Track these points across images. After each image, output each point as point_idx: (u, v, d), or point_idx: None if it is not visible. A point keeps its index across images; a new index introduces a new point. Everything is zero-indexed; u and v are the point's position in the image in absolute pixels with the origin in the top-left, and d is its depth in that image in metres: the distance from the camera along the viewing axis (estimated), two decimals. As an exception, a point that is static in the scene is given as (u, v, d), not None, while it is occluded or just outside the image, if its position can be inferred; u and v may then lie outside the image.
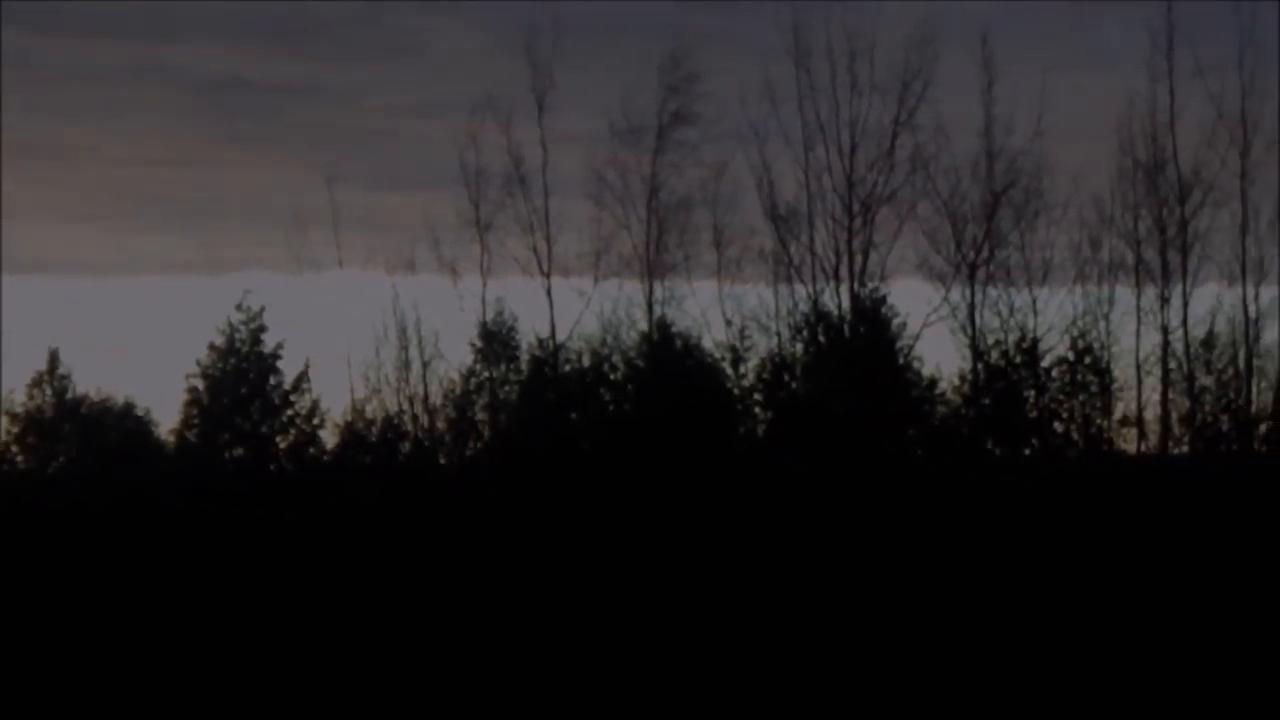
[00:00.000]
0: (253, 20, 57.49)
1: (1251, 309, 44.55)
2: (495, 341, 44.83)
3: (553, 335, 44.65)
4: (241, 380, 43.77)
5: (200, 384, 43.93)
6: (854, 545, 40.34)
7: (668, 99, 44.48)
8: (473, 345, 44.88)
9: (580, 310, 44.48)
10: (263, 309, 43.83)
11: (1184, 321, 44.52)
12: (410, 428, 44.78)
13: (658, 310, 44.56)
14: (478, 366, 44.89)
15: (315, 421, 44.04)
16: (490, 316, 44.66)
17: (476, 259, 44.74)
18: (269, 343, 44.07)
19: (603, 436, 43.48)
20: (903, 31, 44.53)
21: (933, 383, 44.69)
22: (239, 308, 43.82)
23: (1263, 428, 45.06)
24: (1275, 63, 44.72)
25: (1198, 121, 44.43)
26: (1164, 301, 44.60)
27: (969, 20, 47.73)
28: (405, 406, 44.73)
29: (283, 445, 44.20)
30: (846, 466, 41.91)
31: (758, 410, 44.88)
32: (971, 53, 44.74)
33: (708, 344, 44.73)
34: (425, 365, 44.78)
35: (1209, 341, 44.93)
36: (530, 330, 44.94)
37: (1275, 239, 44.62)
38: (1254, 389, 44.70)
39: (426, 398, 44.74)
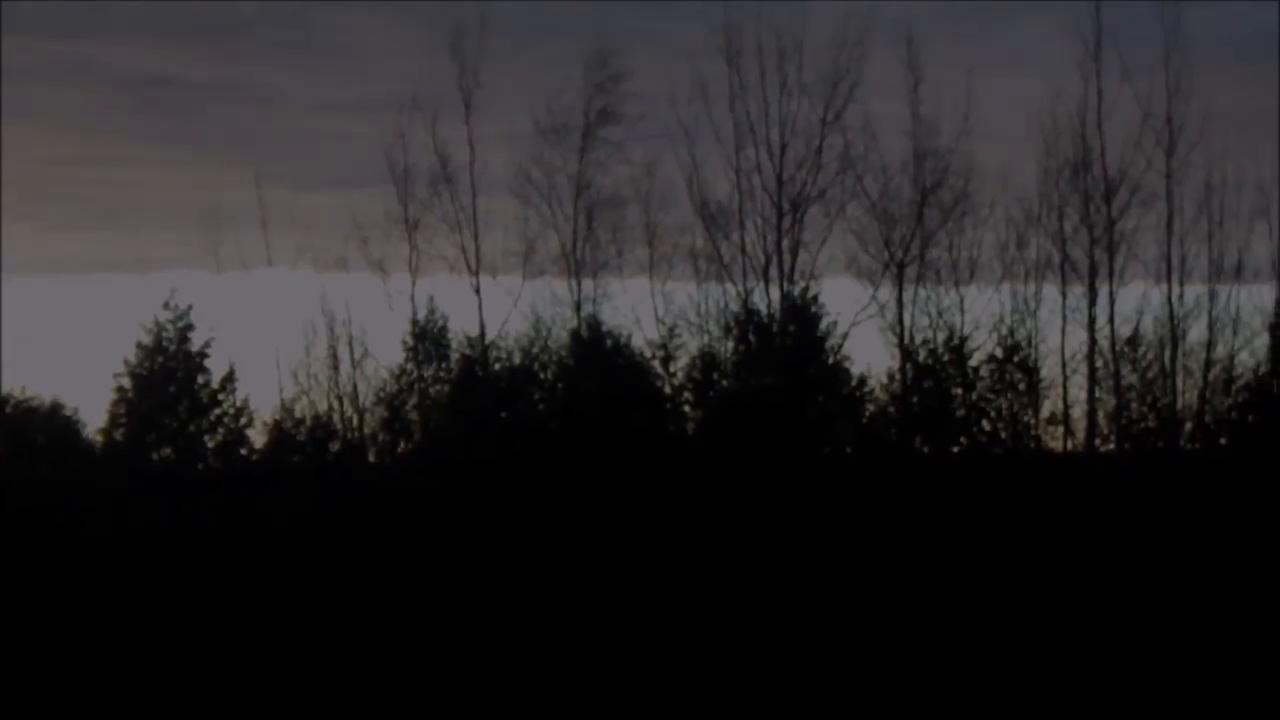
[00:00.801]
0: (179, 19, 57.10)
1: (1176, 308, 45.06)
2: (426, 340, 44.76)
3: (482, 334, 44.66)
4: (169, 379, 43.46)
5: (128, 383, 43.57)
6: (783, 541, 40.64)
7: (594, 98, 44.63)
8: (404, 344, 44.82)
9: (509, 309, 44.64)
10: (190, 308, 43.53)
11: (1110, 320, 44.96)
12: (340, 427, 44.63)
13: (586, 309, 44.74)
14: (408, 365, 44.80)
15: (243, 421, 43.79)
16: (420, 315, 44.68)
17: (405, 257, 44.81)
18: (196, 342, 43.73)
19: (533, 435, 43.42)
20: (831, 32, 44.83)
21: (862, 381, 44.87)
22: (166, 306, 43.53)
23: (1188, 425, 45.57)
24: (1201, 64, 45.34)
25: (1124, 122, 44.89)
26: (1090, 300, 44.98)
27: (896, 21, 48.31)
28: (335, 405, 44.60)
29: (211, 445, 43.89)
30: (777, 465, 42.11)
31: (687, 409, 44.96)
32: (899, 53, 45.08)
33: (638, 342, 44.87)
34: (355, 364, 44.71)
35: (1134, 340, 45.37)
36: (460, 329, 45.00)
37: (1200, 238, 45.22)
38: (1179, 387, 45.19)
39: (356, 397, 44.64)
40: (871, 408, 45.03)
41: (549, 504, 41.32)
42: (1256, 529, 40.81)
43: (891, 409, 44.94)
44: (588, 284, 44.89)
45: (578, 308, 44.63)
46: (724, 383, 44.76)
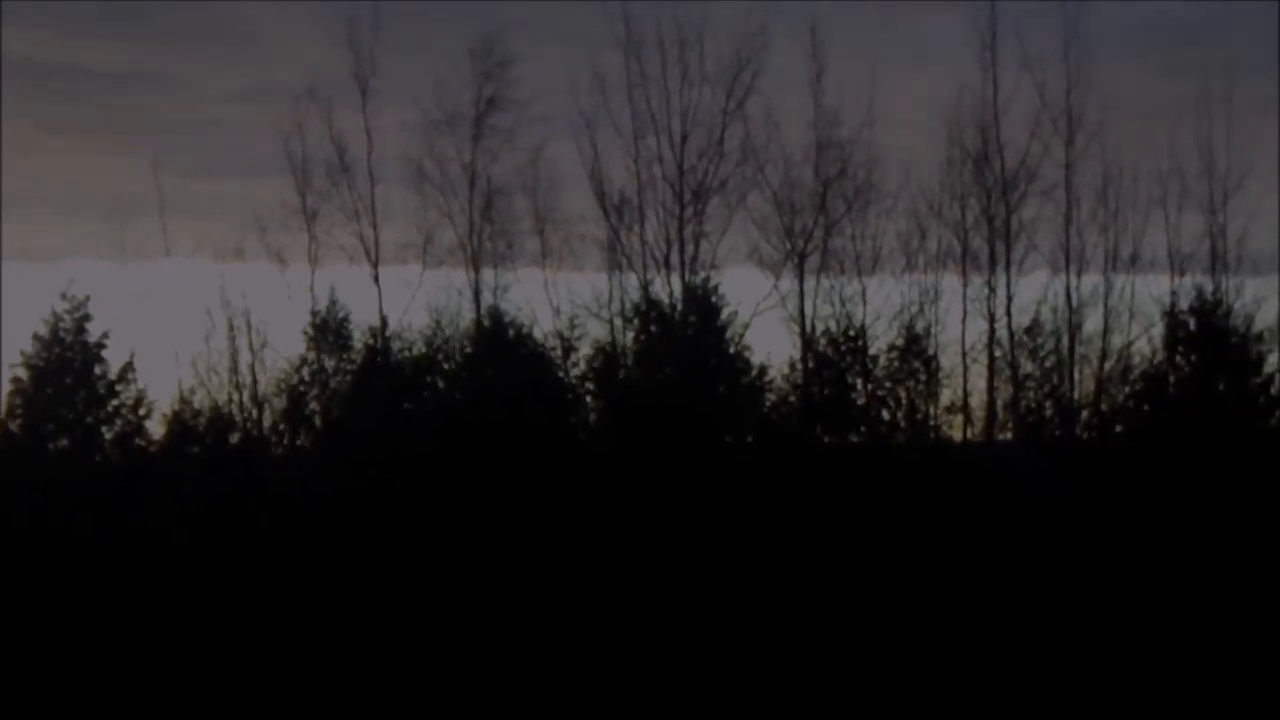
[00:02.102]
0: (79, 6, 56.46)
1: (1074, 297, 45.48)
2: (327, 331, 44.57)
3: (383, 325, 44.44)
4: (66, 370, 42.98)
5: (24, 374, 43.10)
6: (684, 531, 40.79)
7: (483, 85, 44.51)
8: (305, 334, 44.60)
9: (409, 299, 44.52)
10: (87, 298, 43.05)
11: (1009, 310, 45.33)
12: (239, 418, 44.35)
13: (486, 299, 44.67)
14: (309, 356, 44.58)
15: (142, 412, 43.37)
16: (320, 305, 44.48)
17: (304, 248, 44.57)
18: (94, 332, 43.32)
19: (436, 425, 43.32)
20: (732, 22, 44.86)
21: (763, 371, 44.98)
22: (63, 297, 43.07)
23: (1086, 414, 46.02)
24: (1100, 55, 45.79)
25: (1024, 113, 45.27)
26: (990, 290, 45.35)
27: (799, 12, 48.39)
28: (234, 397, 44.30)
29: (109, 436, 43.50)
30: (678, 454, 42.21)
31: (589, 399, 44.99)
32: (801, 44, 45.20)
33: (539, 333, 44.83)
34: (254, 355, 44.40)
35: (1033, 330, 45.75)
36: (360, 319, 44.80)
37: (1097, 228, 45.64)
38: (1076, 376, 45.63)
39: (256, 387, 44.37)
40: (772, 397, 45.16)
41: (452, 495, 41.29)
42: (1151, 515, 41.36)
43: (792, 398, 45.10)
44: (487, 274, 44.91)
45: (477, 298, 44.55)
46: (625, 373, 44.79)
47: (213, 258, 44.53)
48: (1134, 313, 45.65)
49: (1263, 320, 45.78)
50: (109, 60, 61.60)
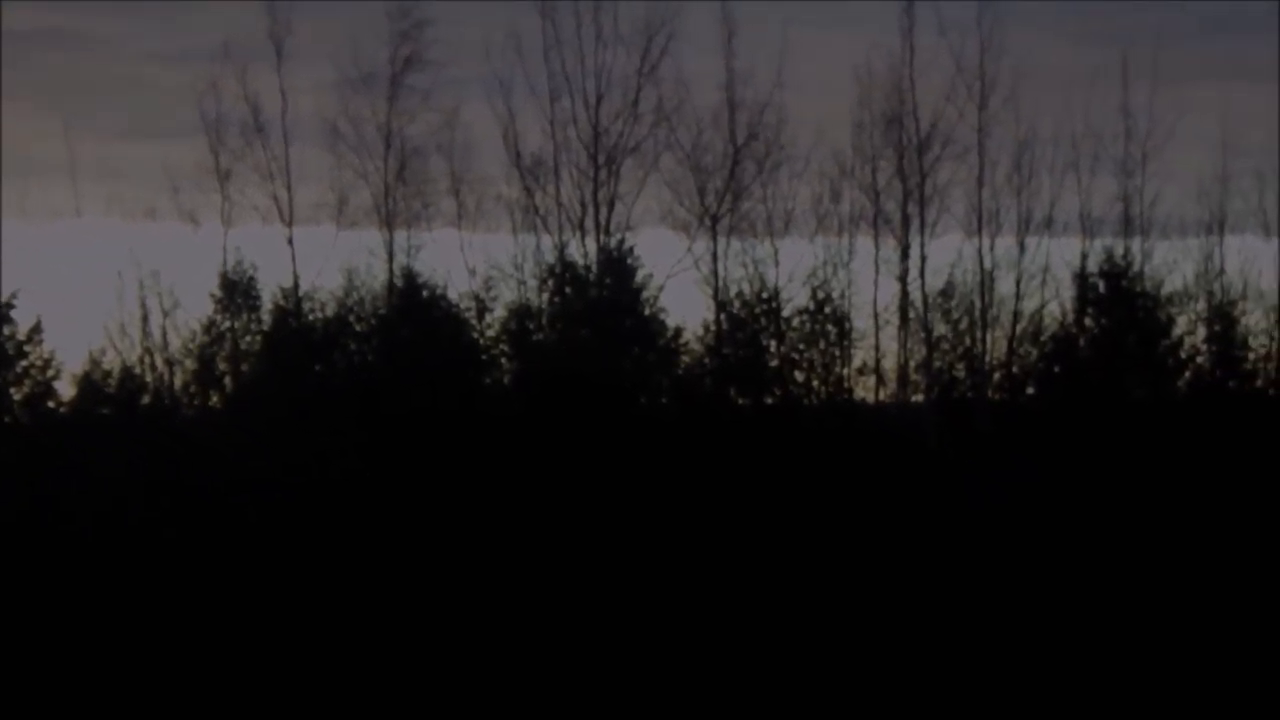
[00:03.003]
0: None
1: (987, 260, 45.83)
2: (237, 291, 44.32)
3: (296, 285, 44.25)
4: (-25, 331, 42.67)
5: (-68, 334, 42.71)
6: (599, 492, 40.85)
7: (399, 46, 44.26)
8: (213, 296, 44.31)
9: (323, 259, 44.33)
10: (-3, 258, 42.74)
11: (922, 272, 45.53)
12: (150, 379, 44.06)
13: (400, 260, 44.52)
14: (219, 317, 44.33)
15: (51, 373, 43.04)
16: (231, 266, 44.20)
17: (217, 208, 44.30)
18: (3, 292, 42.91)
19: (349, 386, 43.17)
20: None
21: (677, 333, 45.08)
22: (-28, 257, 42.68)
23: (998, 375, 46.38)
24: (1013, 18, 46.12)
25: (938, 76, 45.44)
26: (903, 252, 45.53)
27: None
28: (145, 358, 44.01)
29: (18, 397, 43.12)
30: (593, 416, 42.26)
31: (504, 360, 44.96)
32: (713, 6, 45.33)
33: (454, 294, 44.72)
34: (165, 316, 44.10)
35: (946, 291, 46.04)
36: (273, 280, 44.57)
37: (1010, 192, 45.93)
38: (988, 338, 45.97)
39: (167, 348, 44.08)
40: (687, 359, 45.27)
41: (363, 455, 41.16)
42: (1061, 475, 41.76)
43: (706, 361, 45.22)
44: (402, 235, 44.73)
45: (391, 259, 44.41)
46: (540, 334, 44.78)
47: (124, 218, 44.25)
48: (1045, 275, 46.11)
49: (1172, 283, 46.45)
50: (22, 20, 60.79)
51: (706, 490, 41.58)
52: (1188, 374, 46.25)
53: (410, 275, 44.48)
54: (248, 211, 44.38)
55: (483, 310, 44.64)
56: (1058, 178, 45.92)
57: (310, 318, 44.37)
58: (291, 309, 44.26)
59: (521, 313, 44.73)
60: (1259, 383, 46.62)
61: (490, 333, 44.84)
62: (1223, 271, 46.69)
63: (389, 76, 44.20)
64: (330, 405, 42.00)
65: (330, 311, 44.47)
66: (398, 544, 39.93)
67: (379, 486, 40.76)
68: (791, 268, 45.38)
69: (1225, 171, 46.71)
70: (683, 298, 45.82)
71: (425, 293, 44.44)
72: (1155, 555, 38.84)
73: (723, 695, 30.72)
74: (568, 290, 44.68)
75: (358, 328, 44.65)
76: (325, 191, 44.46)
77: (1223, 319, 46.31)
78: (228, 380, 44.58)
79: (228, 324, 44.35)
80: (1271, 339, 46.60)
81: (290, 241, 44.31)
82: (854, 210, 45.63)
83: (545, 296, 44.90)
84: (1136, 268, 46.10)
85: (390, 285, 44.52)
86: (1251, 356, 46.68)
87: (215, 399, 44.54)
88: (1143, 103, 45.93)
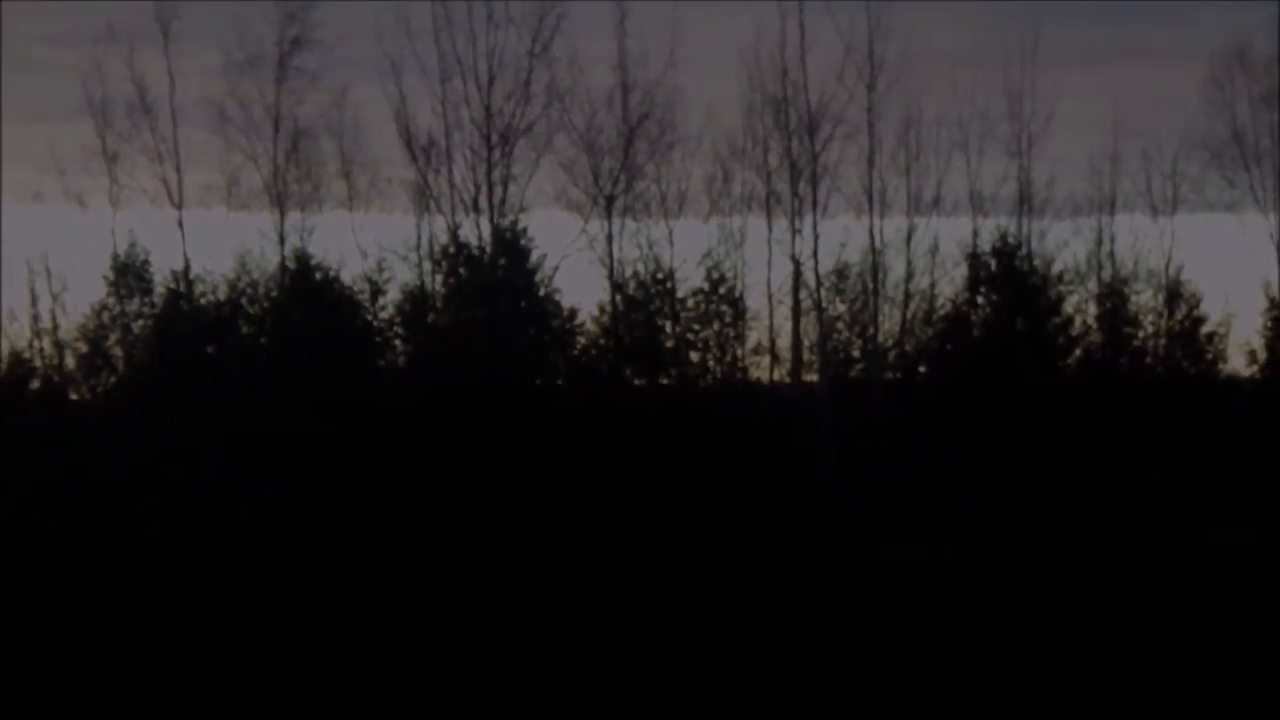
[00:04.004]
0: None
1: (878, 240, 46.09)
2: (128, 274, 44.01)
3: (186, 268, 43.97)
4: None
5: None
6: (495, 472, 40.89)
7: (287, 26, 43.96)
8: (105, 279, 44.01)
9: (213, 242, 44.06)
10: (-124, 243, 42.24)
11: (815, 252, 45.73)
12: (40, 363, 43.74)
13: (292, 242, 44.29)
14: (110, 300, 44.01)
15: (-62, 358, 42.68)
16: (121, 249, 43.90)
17: (105, 190, 43.91)
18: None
19: (241, 369, 42.97)
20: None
21: (572, 314, 45.08)
22: None
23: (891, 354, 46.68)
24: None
25: (827, 57, 45.55)
26: (795, 233, 45.75)
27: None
28: (34, 342, 43.70)
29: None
30: (489, 397, 42.25)
31: (398, 342, 44.87)
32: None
33: (346, 276, 44.55)
34: (55, 299, 43.79)
35: (840, 271, 46.29)
36: (163, 263, 44.26)
37: (900, 172, 46.22)
38: (881, 318, 46.25)
39: (56, 332, 43.75)
40: (582, 340, 45.29)
41: (257, 438, 41.00)
42: (953, 449, 42.19)
43: (602, 341, 45.26)
44: (293, 217, 44.46)
45: (283, 241, 44.21)
46: (434, 316, 44.71)
47: (11, 201, 43.82)
48: (936, 255, 46.45)
49: (1063, 262, 46.89)
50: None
51: (601, 471, 41.74)
52: (1078, 352, 46.65)
53: (302, 258, 44.28)
54: (136, 194, 44.09)
55: (376, 292, 44.53)
56: (946, 158, 46.30)
57: (202, 301, 44.11)
58: (183, 292, 44.00)
59: (415, 295, 44.65)
60: (1148, 361, 47.12)
61: (384, 315, 44.73)
62: (1113, 251, 47.20)
63: (277, 58, 43.98)
64: (222, 388, 41.83)
65: (222, 295, 44.23)
66: (291, 526, 39.90)
67: (274, 470, 40.65)
68: (686, 248, 45.58)
69: (1115, 152, 47.22)
70: (578, 279, 46.02)
71: (318, 275, 44.26)
72: (1039, 532, 39.31)
73: (594, 674, 30.77)
74: (462, 272, 44.58)
75: (250, 311, 44.44)
76: (215, 174, 44.24)
77: (1113, 298, 46.76)
78: (119, 364, 44.21)
79: (119, 308, 44.02)
80: (1161, 318, 47.08)
81: (180, 224, 44.02)
82: (746, 190, 45.87)
83: (439, 278, 44.82)
84: (1028, 247, 46.48)
85: (282, 268, 44.30)
86: (1141, 335, 47.17)
87: (106, 383, 44.14)
88: (1030, 83, 46.30)
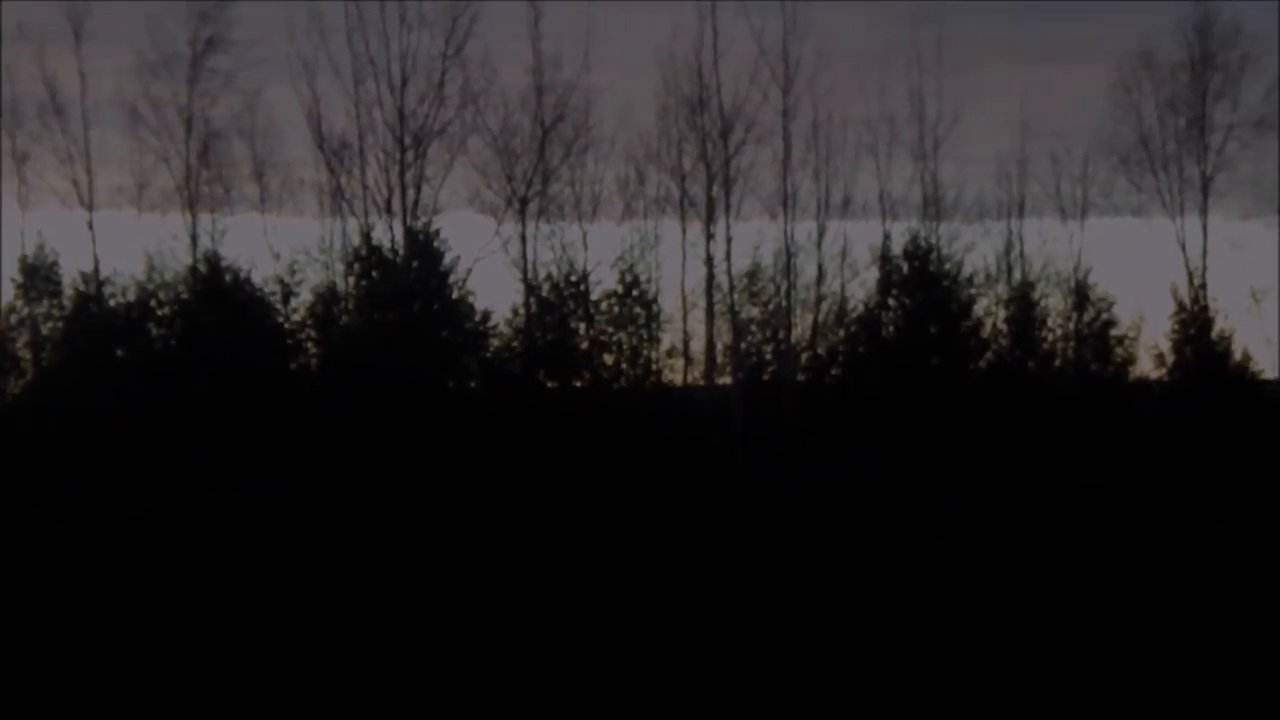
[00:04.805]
0: None
1: (791, 243, 46.31)
2: (37, 276, 43.67)
3: (96, 270, 43.70)
4: None
5: None
6: (406, 473, 40.75)
7: (200, 27, 43.88)
8: (13, 281, 43.68)
9: (123, 244, 43.92)
10: None
11: (728, 255, 45.89)
12: (-55, 365, 43.34)
13: (204, 244, 44.08)
14: (18, 303, 43.66)
15: None
16: (30, 250, 43.58)
17: (14, 191, 43.75)
18: None
19: (151, 371, 42.68)
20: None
21: (486, 316, 45.00)
22: None
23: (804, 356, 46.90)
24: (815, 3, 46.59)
25: (741, 60, 45.81)
26: (709, 235, 45.87)
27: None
28: (-60, 344, 43.28)
29: None
30: (400, 399, 42.12)
31: (309, 345, 44.66)
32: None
33: (258, 278, 44.34)
34: (-39, 302, 43.39)
35: (754, 274, 46.46)
36: (72, 265, 44.02)
37: (810, 174, 46.48)
38: (793, 320, 46.44)
39: (-37, 334, 43.37)
40: (496, 342, 45.22)
41: (167, 440, 40.74)
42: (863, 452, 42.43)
43: (515, 343, 45.21)
44: (205, 219, 44.33)
45: (194, 243, 43.98)
46: (346, 318, 44.54)
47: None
48: (847, 257, 46.77)
49: (973, 265, 47.28)
50: None
51: (515, 474, 41.67)
52: (989, 355, 47.02)
53: (213, 259, 44.08)
54: (46, 195, 43.94)
55: (288, 295, 44.31)
56: (855, 161, 46.66)
57: (112, 303, 43.84)
58: (92, 294, 43.70)
59: (327, 297, 44.45)
60: (1057, 363, 47.57)
61: (296, 317, 44.51)
62: (1022, 254, 47.67)
63: (190, 58, 43.89)
64: (133, 390, 41.53)
65: (132, 297, 43.95)
66: (200, 527, 39.60)
67: (183, 470, 40.39)
68: (600, 251, 45.67)
69: (1023, 155, 47.73)
70: (492, 281, 46.01)
71: (229, 277, 44.06)
72: (946, 528, 39.50)
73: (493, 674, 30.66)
74: (374, 274, 44.40)
75: (160, 313, 44.15)
76: (126, 175, 44.12)
77: (1021, 301, 47.19)
78: (28, 366, 43.84)
79: (27, 310, 43.67)
80: (1069, 321, 47.55)
81: (90, 226, 43.85)
82: (661, 193, 46.01)
83: (351, 280, 44.63)
84: (938, 250, 46.82)
85: (193, 270, 44.07)
86: (1050, 338, 47.62)
87: (14, 385, 43.74)
88: (938, 86, 46.76)
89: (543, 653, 31.66)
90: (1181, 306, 47.45)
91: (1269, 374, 47.61)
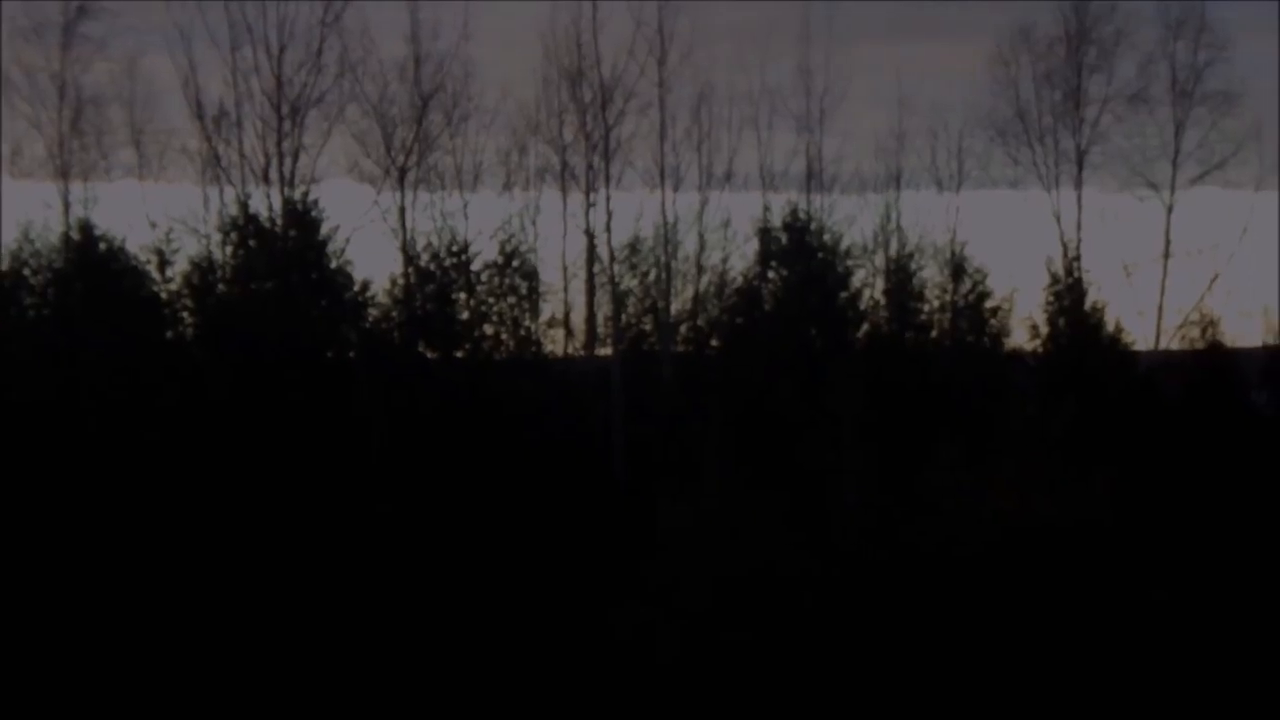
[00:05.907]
0: None
1: (670, 214, 46.45)
2: (-95, 247, 43.03)
3: (-35, 239, 43.08)
4: None
5: None
6: (283, 443, 40.53)
7: (72, -8, 43.19)
8: (-119, 252, 42.97)
9: (-8, 213, 43.20)
10: None
11: (608, 226, 45.88)
12: None
13: (77, 212, 43.53)
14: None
15: None
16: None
17: (-120, 162, 42.85)
18: None
19: (22, 342, 42.18)
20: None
21: (365, 286, 44.75)
22: None
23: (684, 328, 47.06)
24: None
25: (619, 31, 45.74)
26: (589, 206, 45.90)
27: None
28: None
29: None
30: (278, 369, 41.88)
31: (186, 314, 44.25)
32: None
33: (133, 247, 43.85)
34: None
35: (633, 245, 46.60)
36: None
37: (691, 147, 46.60)
38: (673, 292, 46.60)
39: None
40: (375, 313, 44.99)
41: (39, 410, 40.31)
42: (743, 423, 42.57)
43: (395, 314, 45.04)
44: (78, 186, 43.69)
45: (67, 211, 43.41)
46: (223, 288, 44.17)
47: None
48: (728, 229, 46.99)
49: (852, 237, 47.63)
50: None
51: (394, 444, 41.57)
52: (866, 326, 47.40)
53: (87, 228, 43.51)
54: (-85, 165, 43.01)
55: (164, 263, 43.82)
56: (736, 133, 46.81)
57: (-17, 271, 43.17)
58: (-39, 264, 43.03)
59: (204, 266, 44.05)
60: (934, 334, 48.02)
61: (171, 287, 44.02)
62: (899, 226, 48.05)
63: (62, 24, 43.14)
64: (4, 361, 41.03)
65: (4, 265, 43.31)
66: (73, 502, 39.22)
67: (55, 446, 39.96)
68: (480, 221, 45.49)
69: (901, 128, 48.04)
70: (371, 251, 45.64)
71: (103, 245, 43.51)
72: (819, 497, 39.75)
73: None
74: (251, 243, 44.01)
75: (33, 282, 43.61)
76: (-3, 144, 43.25)
77: (899, 272, 47.60)
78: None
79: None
80: (945, 292, 48.00)
81: (-40, 195, 43.05)
82: (541, 164, 45.95)
83: (228, 249, 44.24)
84: (817, 222, 47.12)
85: (66, 238, 43.51)
86: (927, 309, 48.07)
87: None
88: (823, 59, 47.00)
89: (416, 623, 31.89)
90: (1055, 278, 48.04)
91: (1140, 346, 48.38)
